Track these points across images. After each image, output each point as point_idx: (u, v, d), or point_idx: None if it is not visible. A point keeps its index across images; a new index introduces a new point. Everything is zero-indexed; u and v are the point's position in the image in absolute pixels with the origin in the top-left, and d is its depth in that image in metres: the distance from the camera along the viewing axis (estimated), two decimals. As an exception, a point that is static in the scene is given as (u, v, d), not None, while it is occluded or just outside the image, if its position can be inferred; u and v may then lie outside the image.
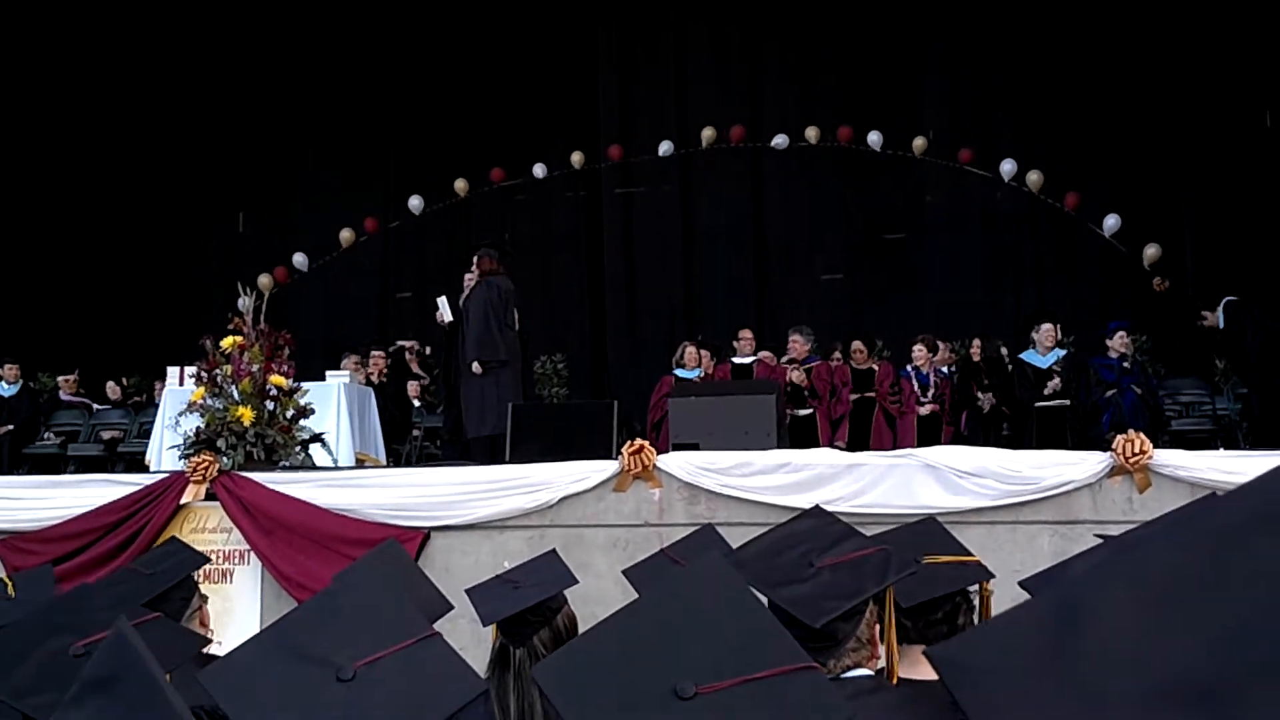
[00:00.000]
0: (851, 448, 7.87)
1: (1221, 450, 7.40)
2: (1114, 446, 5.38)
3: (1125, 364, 8.35)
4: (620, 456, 5.67)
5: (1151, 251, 10.75)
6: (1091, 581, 0.63)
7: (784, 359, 9.31)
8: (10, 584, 2.64)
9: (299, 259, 12.41)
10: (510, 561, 3.34)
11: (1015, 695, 0.59)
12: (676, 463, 5.67)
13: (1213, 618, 0.58)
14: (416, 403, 9.94)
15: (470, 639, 5.11)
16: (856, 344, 9.30)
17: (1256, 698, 0.56)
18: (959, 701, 0.60)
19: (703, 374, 9.21)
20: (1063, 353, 8.61)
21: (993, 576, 2.14)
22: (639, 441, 5.74)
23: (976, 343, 9.14)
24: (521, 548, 5.37)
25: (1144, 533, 0.67)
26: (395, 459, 8.68)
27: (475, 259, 8.00)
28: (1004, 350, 9.09)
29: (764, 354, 9.37)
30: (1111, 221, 10.85)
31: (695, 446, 6.00)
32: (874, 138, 11.47)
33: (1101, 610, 0.60)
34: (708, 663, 1.01)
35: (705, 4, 12.24)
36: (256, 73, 12.44)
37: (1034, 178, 11.09)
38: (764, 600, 1.48)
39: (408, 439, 9.51)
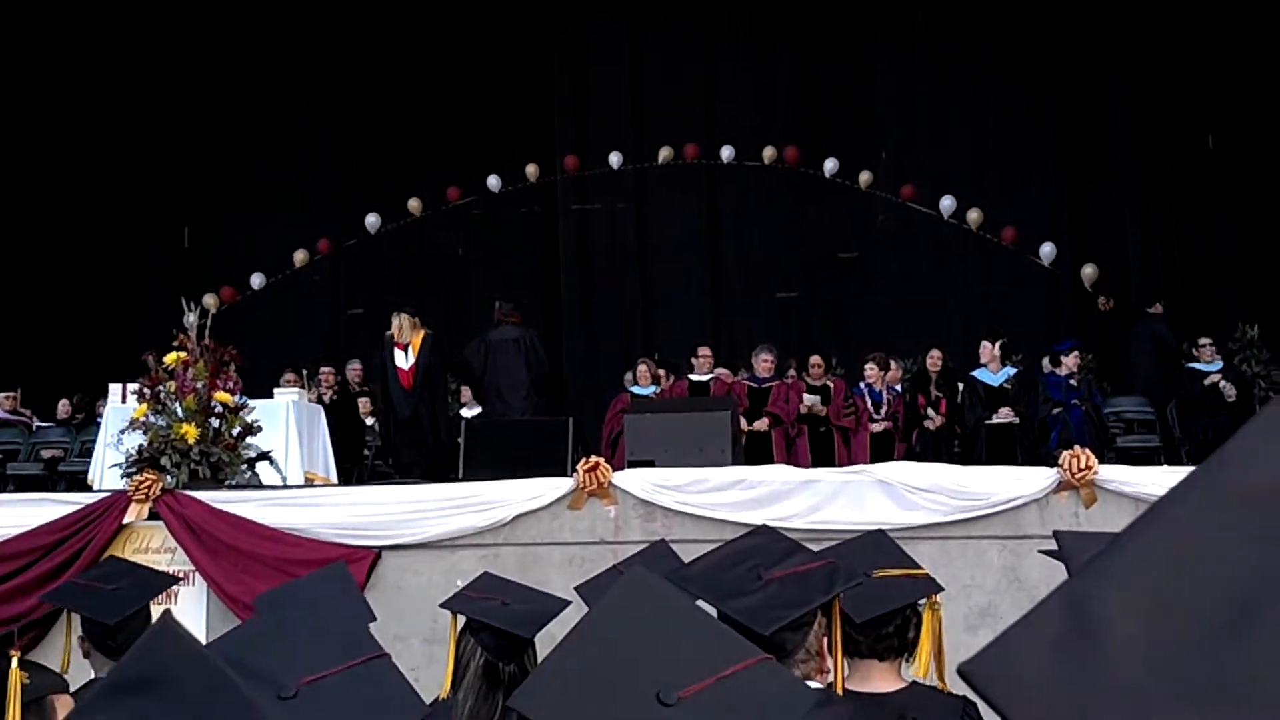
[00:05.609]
0: (813, 464, 7.89)
1: (1165, 466, 7.57)
2: (1061, 463, 5.47)
3: (1073, 381, 8.50)
4: (575, 474, 5.65)
5: (1089, 271, 11.01)
6: (1091, 577, 0.63)
7: (742, 375, 9.33)
8: None
9: (256, 280, 12.15)
10: (463, 581, 3.28)
11: (1060, 699, 0.59)
12: (632, 480, 5.65)
13: (1219, 604, 0.59)
14: (369, 420, 9.78)
15: (423, 659, 5.05)
16: (815, 359, 9.35)
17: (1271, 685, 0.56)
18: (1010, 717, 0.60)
19: (659, 391, 9.20)
20: (1014, 371, 8.73)
21: (941, 589, 2.18)
22: (594, 459, 5.72)
23: (935, 353, 9.17)
24: (475, 566, 5.29)
25: (1136, 524, 0.67)
26: (346, 478, 8.55)
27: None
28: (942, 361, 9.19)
29: (721, 371, 9.39)
30: (1048, 249, 11.13)
31: (651, 463, 5.98)
32: (830, 165, 11.57)
33: (1106, 603, 0.60)
34: (676, 667, 1.02)
35: (661, 18, 12.32)
36: (205, 86, 12.26)
37: (974, 215, 11.28)
38: (711, 610, 1.47)
39: (361, 458, 9.35)
